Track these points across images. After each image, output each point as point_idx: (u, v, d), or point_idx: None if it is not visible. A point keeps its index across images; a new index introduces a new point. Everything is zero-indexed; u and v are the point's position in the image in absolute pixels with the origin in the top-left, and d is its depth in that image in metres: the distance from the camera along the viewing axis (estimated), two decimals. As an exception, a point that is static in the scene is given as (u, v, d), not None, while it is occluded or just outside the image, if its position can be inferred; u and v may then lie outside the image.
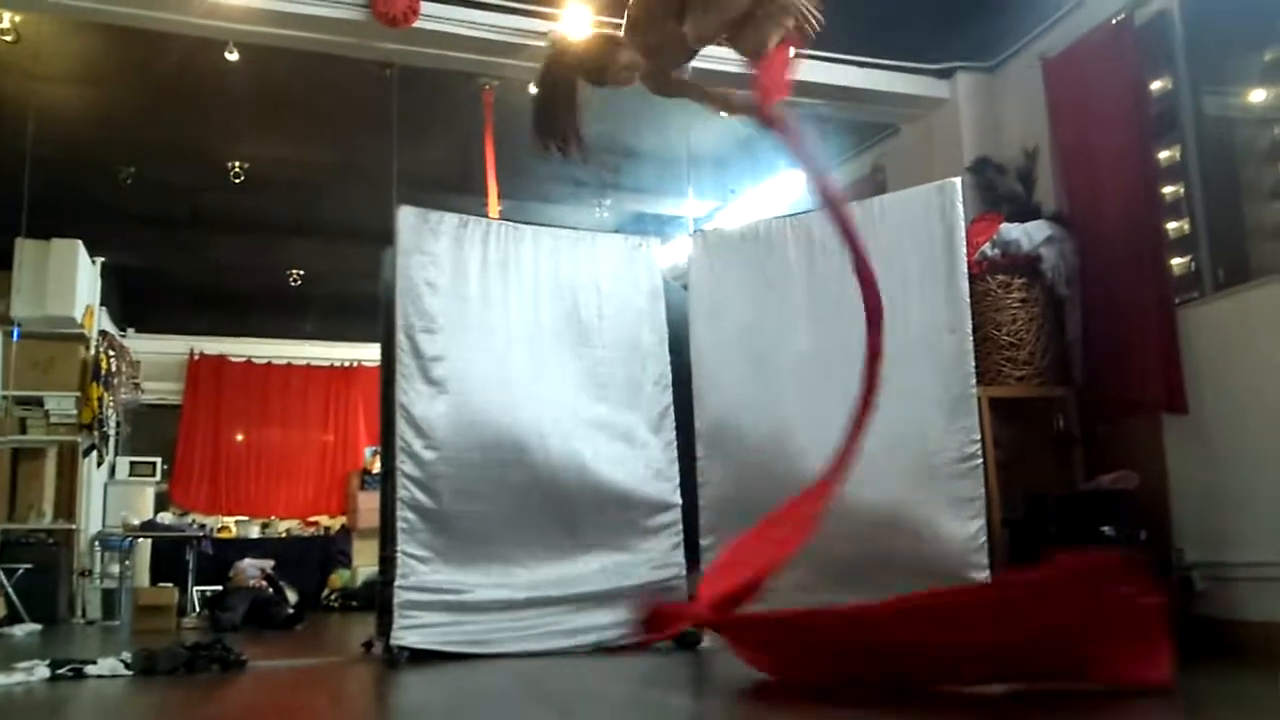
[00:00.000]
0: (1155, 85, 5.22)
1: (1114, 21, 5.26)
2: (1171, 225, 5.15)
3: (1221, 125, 5.13)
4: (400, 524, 4.87)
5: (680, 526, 5.56)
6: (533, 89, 3.31)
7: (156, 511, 10.08)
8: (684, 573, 5.50)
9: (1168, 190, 5.18)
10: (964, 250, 5.07)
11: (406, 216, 5.19)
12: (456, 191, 6.44)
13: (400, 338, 5.05)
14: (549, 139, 3.17)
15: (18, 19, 5.67)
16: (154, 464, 10.38)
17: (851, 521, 4.89)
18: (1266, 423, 4.48)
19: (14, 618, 7.32)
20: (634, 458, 5.53)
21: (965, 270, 5.05)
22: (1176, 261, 5.12)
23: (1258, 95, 5.04)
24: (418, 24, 5.17)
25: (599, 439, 5.47)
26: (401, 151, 6.22)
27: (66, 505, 8.65)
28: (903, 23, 6.05)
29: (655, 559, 5.45)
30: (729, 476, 5.54)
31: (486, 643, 4.92)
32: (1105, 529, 4.66)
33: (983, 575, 4.74)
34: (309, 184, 8.46)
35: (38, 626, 7.26)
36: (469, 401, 5.13)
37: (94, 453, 9.06)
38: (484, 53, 5.47)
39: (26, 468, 8.65)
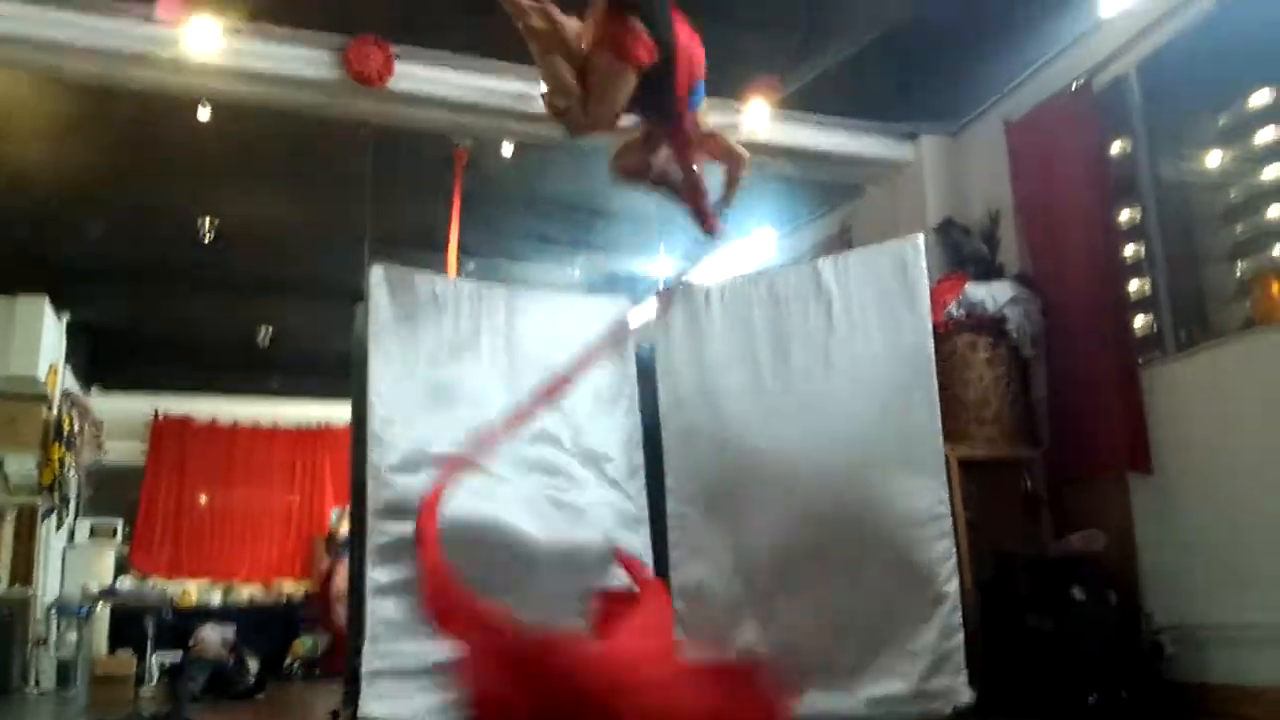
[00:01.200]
0: (1115, 148, 5.35)
1: (1074, 87, 5.40)
2: (1133, 285, 5.24)
3: (1180, 188, 5.25)
4: (370, 586, 4.77)
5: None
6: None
7: (117, 575, 9.86)
8: (657, 634, 5.42)
9: (1128, 251, 5.29)
10: (928, 308, 5.11)
11: (378, 274, 5.18)
12: (429, 249, 6.44)
13: (371, 396, 5.00)
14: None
15: (-11, 76, 5.67)
16: (115, 526, 10.16)
17: (841, 579, 4.90)
18: (1232, 483, 4.51)
19: (-37, 688, 7.08)
20: (605, 518, 5.48)
21: (930, 327, 5.08)
22: (1139, 322, 5.20)
23: (1214, 159, 5.17)
24: (391, 84, 5.21)
25: (569, 499, 5.41)
26: (374, 209, 6.22)
27: (23, 571, 8.43)
28: (867, 86, 6.20)
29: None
30: (700, 534, 5.50)
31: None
32: (1074, 591, 4.65)
33: (958, 636, 4.70)
34: (280, 241, 8.42)
35: (-12, 697, 7.03)
36: (439, 460, 5.06)
37: (53, 515, 8.86)
38: (457, 112, 5.52)
39: (-18, 531, 8.45)
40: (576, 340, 5.64)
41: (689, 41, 3.27)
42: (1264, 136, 4.85)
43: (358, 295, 5.27)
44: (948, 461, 4.98)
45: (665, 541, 5.54)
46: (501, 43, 5.34)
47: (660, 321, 5.61)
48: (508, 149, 6.15)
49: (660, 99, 3.29)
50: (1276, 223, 4.83)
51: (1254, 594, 4.37)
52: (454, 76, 5.37)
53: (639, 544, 5.52)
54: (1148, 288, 5.19)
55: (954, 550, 4.83)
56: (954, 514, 4.89)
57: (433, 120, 5.63)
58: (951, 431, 5.17)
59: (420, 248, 6.49)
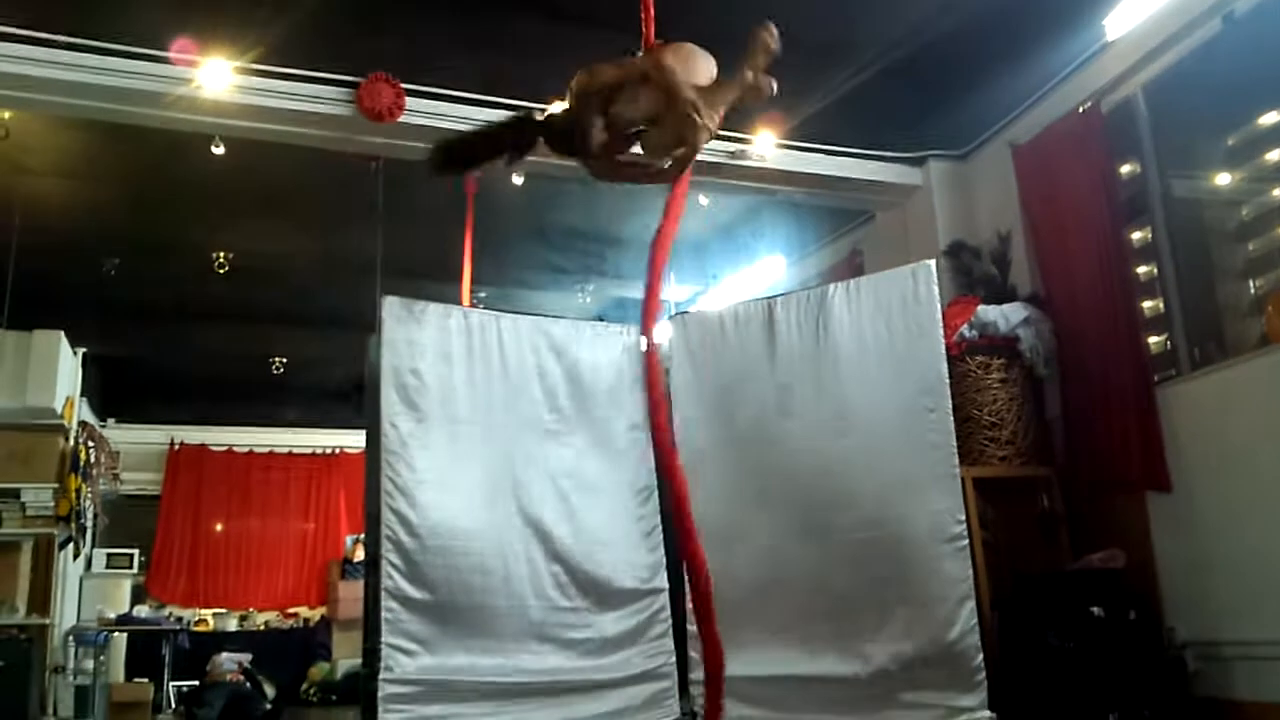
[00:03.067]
0: (1124, 169, 5.37)
1: (1081, 109, 5.43)
2: (1146, 304, 5.25)
3: (1190, 207, 5.27)
4: (385, 614, 4.80)
5: (668, 612, 5.50)
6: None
7: (133, 605, 9.88)
8: (673, 660, 5.43)
9: (1141, 270, 5.30)
10: (940, 330, 5.13)
11: (391, 306, 5.22)
12: (440, 280, 6.49)
13: (385, 425, 5.03)
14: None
15: (7, 115, 5.75)
16: (131, 556, 10.18)
17: (858, 602, 4.91)
18: (1250, 499, 4.51)
19: (-18, 718, 7.10)
20: (619, 543, 5.50)
21: (943, 350, 5.11)
22: (1153, 340, 5.20)
23: (1223, 178, 5.19)
24: (402, 118, 5.27)
25: (582, 525, 5.44)
26: (386, 241, 6.27)
27: (41, 600, 8.45)
28: (876, 113, 6.23)
29: (646, 647, 5.38)
30: (714, 560, 5.49)
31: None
32: (1094, 609, 4.64)
33: (978, 656, 4.70)
34: (293, 273, 8.50)
35: (7, 727, 7.05)
36: (454, 489, 5.10)
37: (70, 545, 8.90)
38: (467, 145, 5.56)
39: (0, 562, 8.47)
40: (587, 366, 5.69)
41: None
42: (1276, 155, 4.86)
43: (370, 326, 5.31)
44: (963, 482, 4.98)
45: (680, 567, 5.54)
46: (506, 79, 5.44)
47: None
48: (518, 179, 6.20)
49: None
50: (1289, 240, 4.84)
51: (1277, 609, 4.34)
52: (464, 110, 5.42)
53: (652, 562, 5.54)
54: (1161, 306, 5.20)
55: (971, 570, 4.83)
56: (970, 534, 4.90)
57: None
58: (966, 452, 5.18)
59: (432, 279, 6.54)
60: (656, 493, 5.66)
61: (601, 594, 5.33)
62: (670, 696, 5.41)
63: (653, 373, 3.14)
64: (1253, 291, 4.99)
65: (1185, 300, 5.10)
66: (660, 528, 5.62)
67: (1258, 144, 4.94)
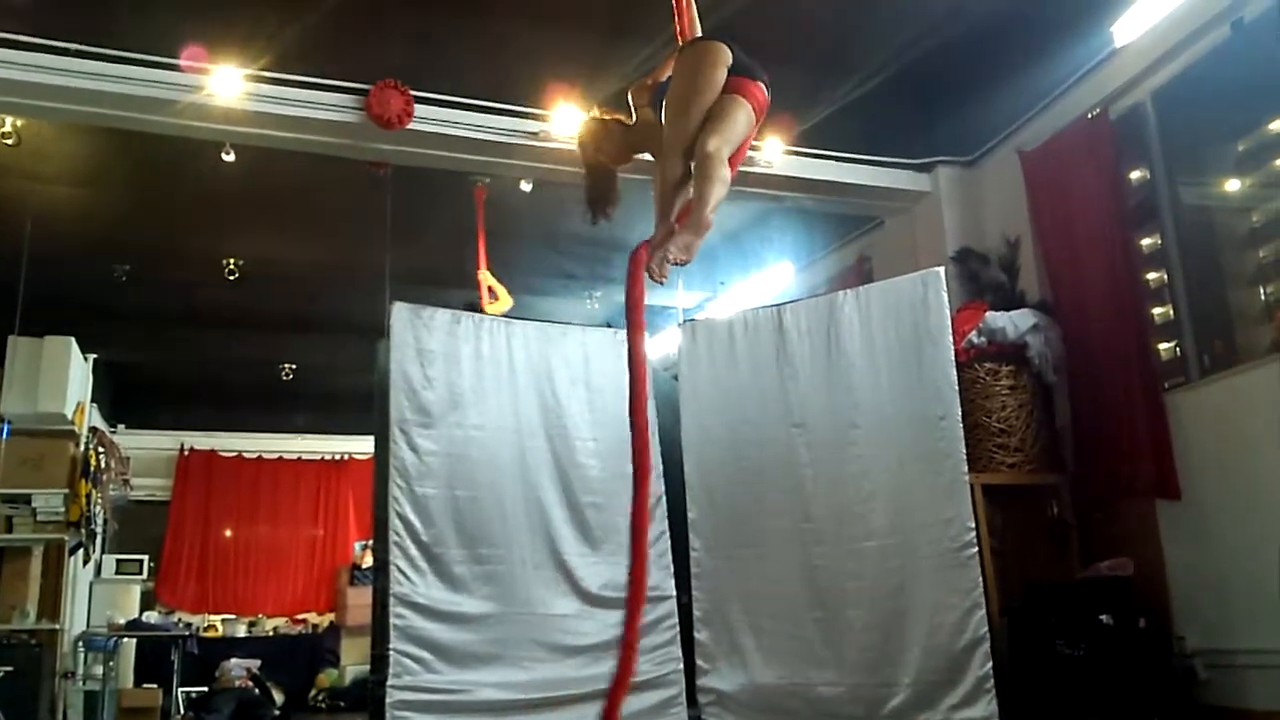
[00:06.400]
0: (1133, 176, 5.36)
1: (1089, 116, 5.42)
2: (1156, 311, 5.23)
3: (1200, 213, 5.25)
4: (394, 620, 4.80)
5: (676, 620, 5.49)
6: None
7: (142, 610, 9.89)
8: (680, 667, 5.42)
9: (1150, 277, 5.28)
10: (950, 337, 5.13)
11: (400, 312, 5.24)
12: (449, 286, 6.51)
13: (394, 431, 5.05)
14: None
15: (19, 123, 5.78)
16: (141, 561, 10.20)
17: (866, 611, 4.90)
18: (1262, 507, 4.48)
19: (-9, 724, 7.12)
20: (626, 549, 5.48)
21: (952, 357, 5.11)
22: (1162, 347, 5.18)
23: (1233, 184, 5.17)
24: (411, 125, 5.29)
25: (589, 531, 5.44)
26: (395, 248, 6.29)
27: (51, 605, 8.48)
28: (884, 119, 6.23)
29: (654, 654, 5.37)
30: (722, 567, 5.50)
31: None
32: (1104, 617, 4.62)
33: (988, 664, 4.68)
34: (303, 280, 8.53)
35: (16, 732, 7.05)
36: (462, 495, 5.11)
37: (80, 551, 8.93)
38: (476, 152, 5.58)
39: (11, 567, 8.48)
40: (595, 373, 5.70)
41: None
42: (1285, 162, 4.84)
43: (379, 331, 5.33)
44: (972, 489, 4.97)
45: (689, 572, 5.55)
46: (514, 85, 5.46)
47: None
48: (526, 185, 6.21)
49: None
50: (1300, 246, 4.82)
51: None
52: (472, 117, 5.43)
53: (659, 569, 5.53)
54: (1171, 313, 5.18)
55: (980, 577, 4.81)
56: (979, 541, 4.88)
57: (453, 160, 5.69)
58: (975, 459, 5.17)
59: (440, 284, 6.56)
60: (665, 499, 5.66)
61: (608, 600, 5.33)
62: (678, 704, 5.40)
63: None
64: (1263, 298, 4.97)
65: (1194, 306, 5.08)
66: (668, 535, 5.62)
67: (1267, 150, 4.92)
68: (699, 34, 3.30)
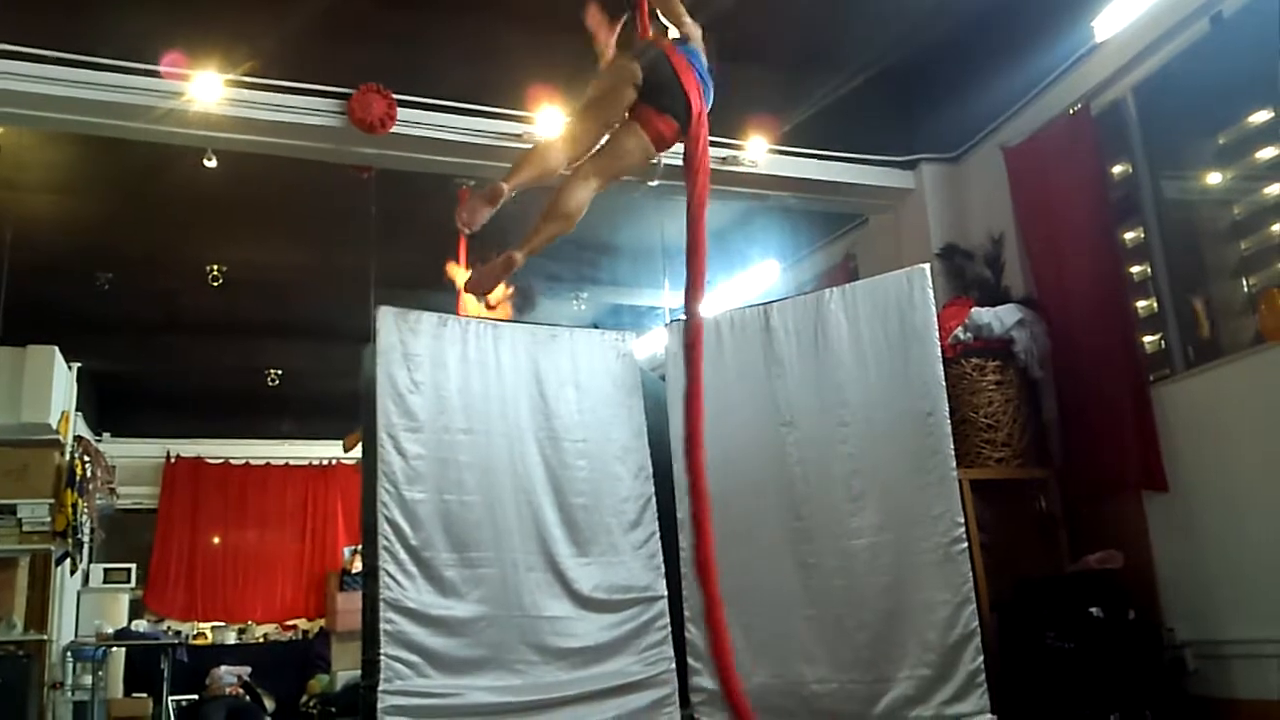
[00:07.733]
0: (1115, 170, 5.38)
1: (1071, 111, 5.44)
2: (1140, 304, 5.26)
3: (1182, 207, 5.28)
4: (384, 625, 4.79)
5: (667, 619, 5.49)
6: None
7: (131, 619, 9.84)
8: (673, 667, 5.42)
9: (1134, 270, 5.31)
10: (936, 334, 5.14)
11: (386, 316, 5.22)
12: (434, 290, 6.48)
13: (381, 435, 5.04)
14: None
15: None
16: (129, 570, 10.14)
17: (857, 608, 4.90)
18: (1248, 498, 4.51)
19: (-20, 736, 7.07)
20: (617, 549, 5.49)
21: (939, 354, 5.12)
22: (1147, 340, 5.21)
23: (1214, 177, 5.20)
24: (394, 129, 5.27)
25: (579, 532, 5.44)
26: (379, 251, 6.27)
27: (39, 616, 8.42)
28: (867, 117, 6.25)
29: (646, 654, 5.37)
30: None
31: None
32: (1093, 610, 4.64)
33: (978, 659, 4.70)
34: (287, 285, 8.50)
35: (5, 745, 7.01)
36: (452, 499, 5.10)
37: (67, 560, 8.87)
38: (459, 155, 5.56)
39: (-3, 578, 8.44)
40: (583, 374, 5.69)
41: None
42: (1266, 153, 4.87)
43: (365, 336, 5.31)
44: (960, 484, 4.98)
45: (679, 574, 5.54)
46: (497, 88, 5.44)
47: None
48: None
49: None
50: (1281, 237, 4.85)
51: (1275, 607, 4.34)
52: (455, 120, 5.42)
53: (651, 568, 5.54)
54: (1155, 305, 5.21)
55: (970, 572, 4.83)
56: (968, 536, 4.90)
57: (436, 163, 5.67)
58: (963, 454, 5.19)
59: (426, 288, 6.53)
60: (654, 499, 5.66)
61: (599, 602, 5.33)
62: (671, 704, 5.40)
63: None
64: (1246, 289, 5.00)
65: (1178, 299, 5.10)
66: (658, 534, 5.62)
67: (1247, 142, 4.96)
68: (679, 31, 3.34)
